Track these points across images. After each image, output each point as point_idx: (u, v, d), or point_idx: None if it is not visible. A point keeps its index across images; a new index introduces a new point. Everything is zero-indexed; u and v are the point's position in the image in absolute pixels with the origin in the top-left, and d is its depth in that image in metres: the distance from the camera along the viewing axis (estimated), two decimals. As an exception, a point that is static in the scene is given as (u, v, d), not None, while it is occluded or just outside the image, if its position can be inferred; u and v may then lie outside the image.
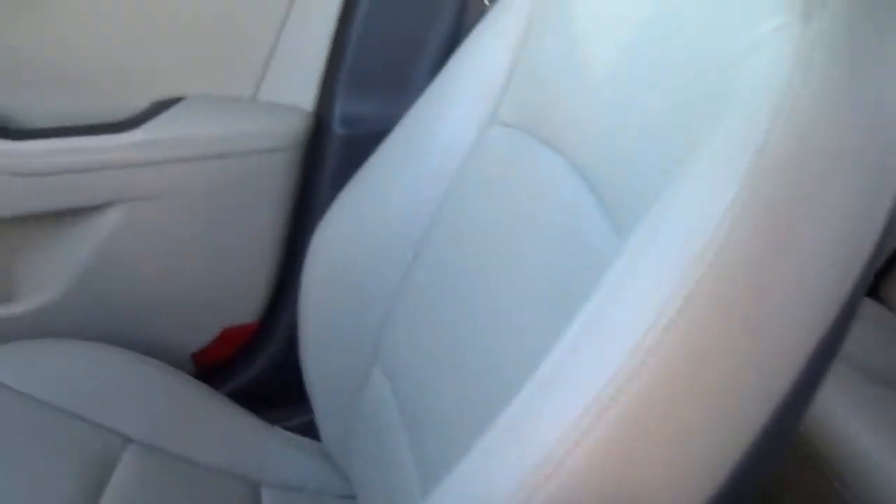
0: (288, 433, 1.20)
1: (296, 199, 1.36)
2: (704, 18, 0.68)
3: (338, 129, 1.31)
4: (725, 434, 0.58)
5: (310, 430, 1.19)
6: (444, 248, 0.96)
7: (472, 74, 0.98)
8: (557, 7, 0.90)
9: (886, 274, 1.76)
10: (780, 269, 0.57)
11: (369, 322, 1.04)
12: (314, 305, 1.10)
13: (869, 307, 1.68)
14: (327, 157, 1.33)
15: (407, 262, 1.00)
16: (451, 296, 0.91)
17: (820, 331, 0.59)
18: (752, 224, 0.55)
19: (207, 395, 1.18)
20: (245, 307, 1.41)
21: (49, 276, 1.30)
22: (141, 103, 1.29)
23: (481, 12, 1.12)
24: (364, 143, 1.14)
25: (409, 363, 0.97)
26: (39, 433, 0.99)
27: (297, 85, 1.33)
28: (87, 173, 1.23)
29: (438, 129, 0.99)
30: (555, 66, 0.87)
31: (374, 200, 1.04)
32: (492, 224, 0.88)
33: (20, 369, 1.07)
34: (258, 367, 1.46)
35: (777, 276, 0.56)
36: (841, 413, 1.30)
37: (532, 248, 0.79)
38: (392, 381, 1.01)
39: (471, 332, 0.85)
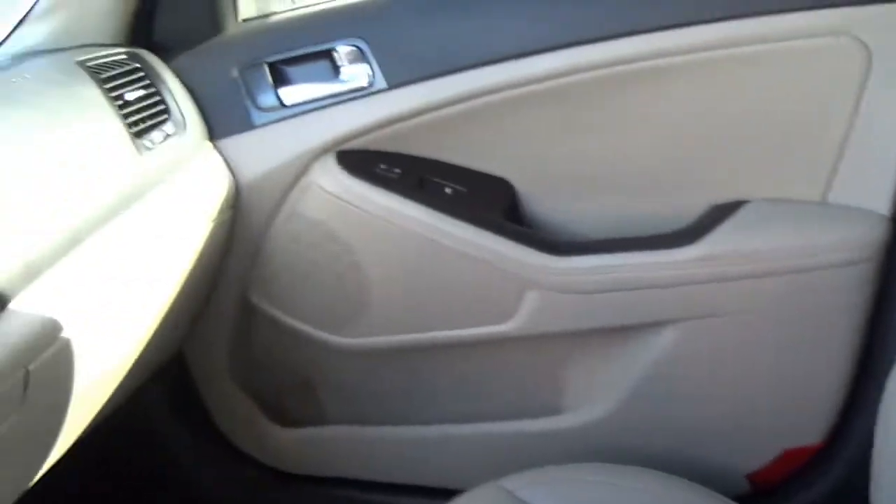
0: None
1: (870, 317, 1.21)
2: None
3: None
4: None
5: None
6: None
7: None
8: None
9: None
10: None
11: None
12: (894, 445, 0.95)
13: None
14: None
15: None
16: None
17: None
18: None
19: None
20: (808, 428, 1.28)
21: (595, 393, 1.27)
22: (698, 207, 1.22)
23: None
24: None
25: None
26: None
27: (871, 186, 1.18)
28: (641, 290, 1.18)
29: None
30: None
31: None
32: None
33: (561, 498, 1.03)
34: (817, 492, 1.31)
35: None
36: None
37: None
38: None
39: None
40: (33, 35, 1.13)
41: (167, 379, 1.33)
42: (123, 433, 1.31)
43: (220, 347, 1.31)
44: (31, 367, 0.80)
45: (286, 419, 1.38)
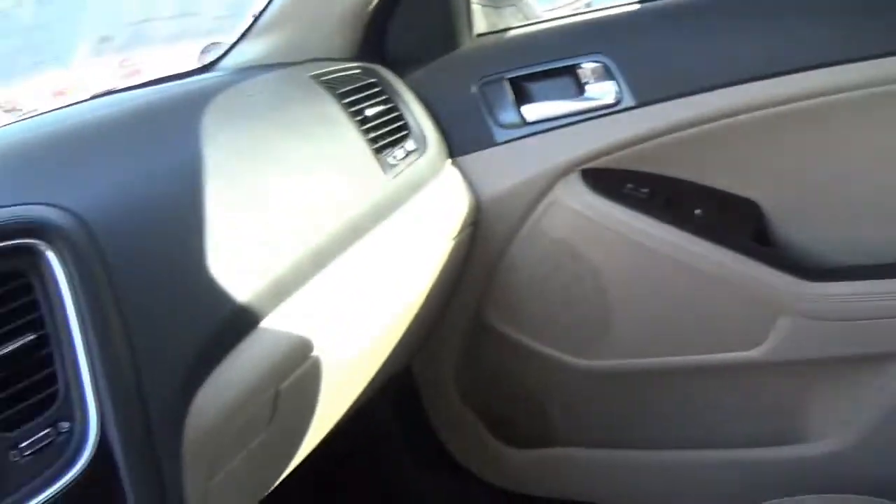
0: None
1: None
2: None
3: None
4: None
5: None
6: None
7: None
8: None
9: None
10: None
11: None
12: None
13: None
14: None
15: None
16: None
17: None
18: None
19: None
20: None
21: (841, 422, 1.20)
22: None
23: None
24: None
25: None
26: None
27: None
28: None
29: None
30: None
31: None
32: None
33: None
34: None
35: None
36: None
37: None
38: None
39: None
40: (255, 49, 1.14)
41: (394, 392, 1.33)
42: (351, 445, 1.32)
43: (449, 363, 1.31)
44: (281, 387, 0.80)
45: (513, 439, 1.36)
